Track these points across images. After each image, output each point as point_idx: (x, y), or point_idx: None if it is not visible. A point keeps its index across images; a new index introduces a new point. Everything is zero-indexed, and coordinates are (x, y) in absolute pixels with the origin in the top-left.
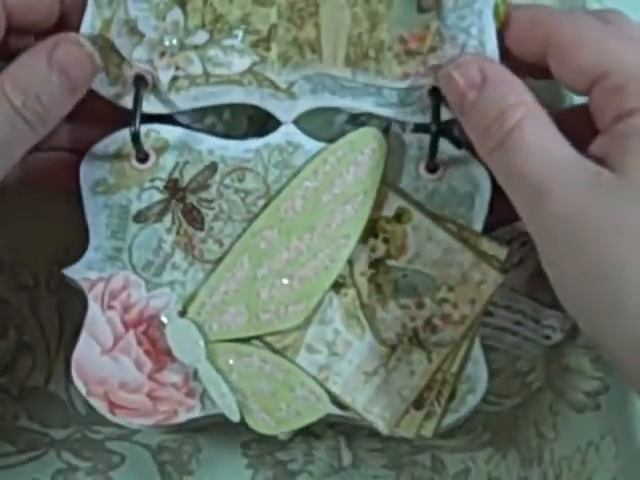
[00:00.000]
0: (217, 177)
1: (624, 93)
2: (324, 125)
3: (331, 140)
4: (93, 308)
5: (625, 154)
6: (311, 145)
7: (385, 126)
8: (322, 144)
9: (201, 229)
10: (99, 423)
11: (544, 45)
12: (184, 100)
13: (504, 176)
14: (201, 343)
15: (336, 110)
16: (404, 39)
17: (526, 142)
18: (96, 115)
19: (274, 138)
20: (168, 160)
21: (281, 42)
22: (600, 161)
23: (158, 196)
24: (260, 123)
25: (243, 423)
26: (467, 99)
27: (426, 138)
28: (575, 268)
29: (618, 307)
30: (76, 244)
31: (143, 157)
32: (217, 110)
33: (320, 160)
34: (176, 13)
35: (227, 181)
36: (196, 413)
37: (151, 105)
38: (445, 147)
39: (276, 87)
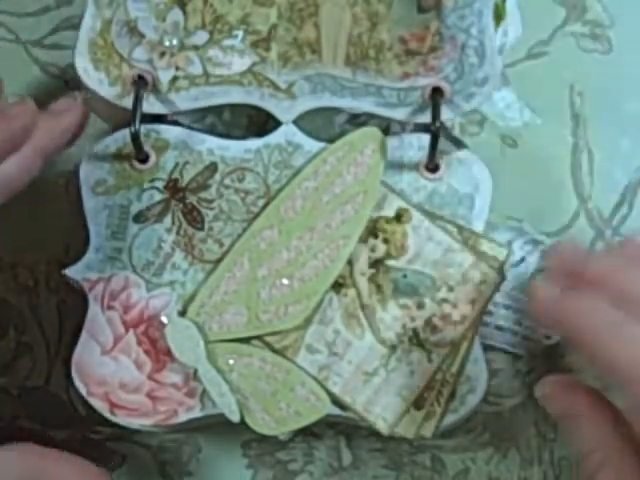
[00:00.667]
0: (217, 177)
1: None
2: (324, 125)
3: (331, 140)
4: (93, 308)
5: None
6: (311, 145)
7: (385, 126)
8: (322, 144)
9: (201, 229)
10: (99, 423)
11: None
12: (184, 100)
13: None
14: (201, 343)
15: (336, 110)
16: (404, 39)
17: None
18: None
19: (274, 138)
20: (168, 160)
21: (281, 42)
22: None
23: (158, 196)
24: (260, 123)
25: (243, 423)
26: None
27: (426, 138)
28: None
29: None
30: (76, 244)
31: (143, 157)
32: (217, 110)
33: (320, 160)
34: (176, 14)
35: (227, 181)
36: (196, 413)
37: (151, 105)
38: (445, 147)
39: (276, 87)
